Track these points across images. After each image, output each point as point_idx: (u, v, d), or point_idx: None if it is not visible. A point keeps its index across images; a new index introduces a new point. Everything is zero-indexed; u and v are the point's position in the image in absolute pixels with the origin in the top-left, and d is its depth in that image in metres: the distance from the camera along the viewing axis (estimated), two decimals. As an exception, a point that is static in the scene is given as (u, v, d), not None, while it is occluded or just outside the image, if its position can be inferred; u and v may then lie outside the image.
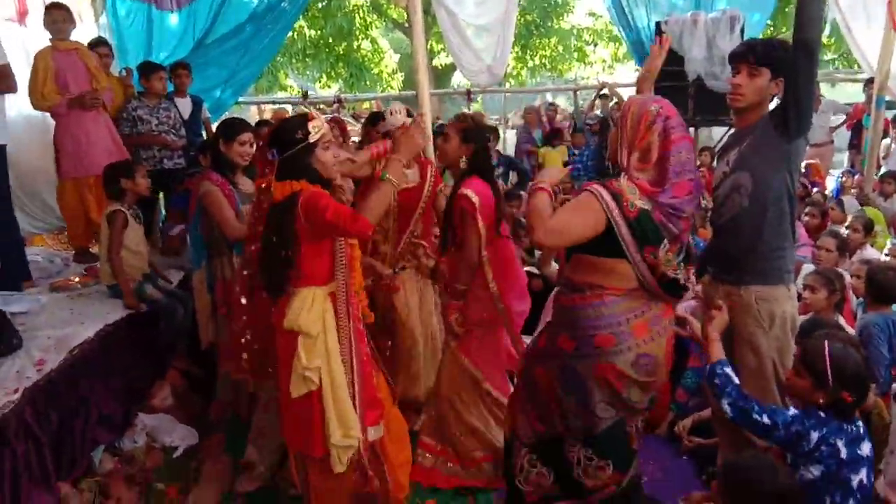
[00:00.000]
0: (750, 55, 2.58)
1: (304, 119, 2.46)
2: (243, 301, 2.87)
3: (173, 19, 7.13)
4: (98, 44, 5.34)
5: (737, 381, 2.36)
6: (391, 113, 3.54)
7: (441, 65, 16.77)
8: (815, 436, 2.20)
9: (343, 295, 2.48)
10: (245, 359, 2.80)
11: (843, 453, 2.20)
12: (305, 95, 10.92)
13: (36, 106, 4.61)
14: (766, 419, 2.25)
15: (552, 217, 2.25)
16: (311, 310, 2.40)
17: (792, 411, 2.28)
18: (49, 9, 4.68)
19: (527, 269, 4.20)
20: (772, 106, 2.69)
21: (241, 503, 3.14)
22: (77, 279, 4.30)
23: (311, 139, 2.41)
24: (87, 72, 4.70)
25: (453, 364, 3.22)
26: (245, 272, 2.82)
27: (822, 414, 2.25)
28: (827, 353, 2.24)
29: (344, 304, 2.48)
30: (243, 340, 2.93)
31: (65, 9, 4.73)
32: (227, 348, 3.68)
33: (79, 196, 4.69)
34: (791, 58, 2.48)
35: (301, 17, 13.05)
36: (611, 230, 2.20)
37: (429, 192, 3.59)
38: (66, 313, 3.71)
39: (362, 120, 8.61)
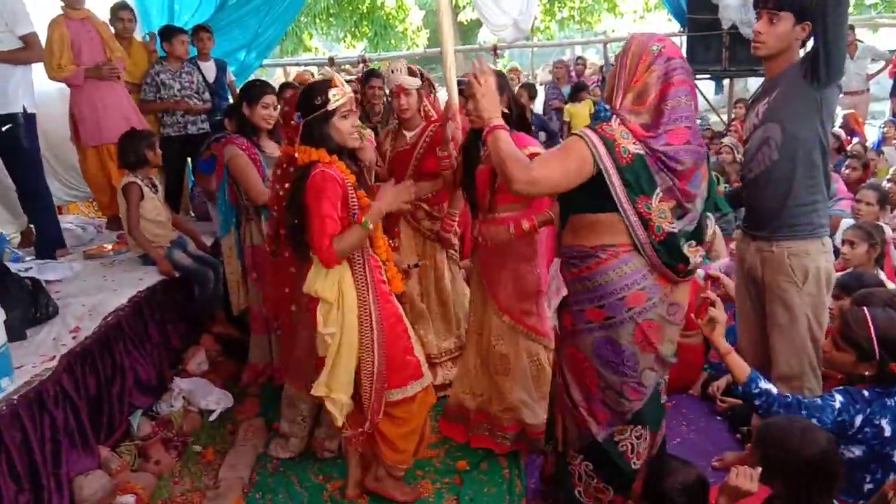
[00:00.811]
0: (769, 1, 2.46)
1: (325, 85, 2.46)
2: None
3: (195, -20, 7.06)
4: (121, 8, 5.29)
5: (775, 390, 2.21)
6: (392, 71, 3.41)
7: (466, 20, 16.44)
8: (859, 419, 2.13)
9: (360, 261, 2.50)
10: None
11: (887, 431, 2.12)
12: (332, 61, 10.78)
13: (51, 76, 4.56)
14: (815, 421, 2.12)
15: (533, 163, 2.08)
16: (326, 276, 2.43)
17: (837, 401, 2.15)
18: None
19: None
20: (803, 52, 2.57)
21: (276, 465, 3.19)
22: (110, 247, 4.35)
23: (330, 107, 2.41)
24: (100, 40, 4.66)
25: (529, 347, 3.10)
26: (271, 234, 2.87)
27: (866, 393, 2.16)
28: (871, 322, 2.14)
29: (362, 270, 2.50)
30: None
31: None
32: (259, 313, 3.73)
33: (100, 164, 4.70)
34: (818, 1, 2.35)
35: (324, -25, 12.87)
36: (600, 180, 2.02)
37: (420, 152, 3.49)
38: (99, 280, 3.76)
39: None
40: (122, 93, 4.78)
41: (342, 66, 10.53)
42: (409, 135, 3.52)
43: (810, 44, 2.51)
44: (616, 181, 2.02)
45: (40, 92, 4.39)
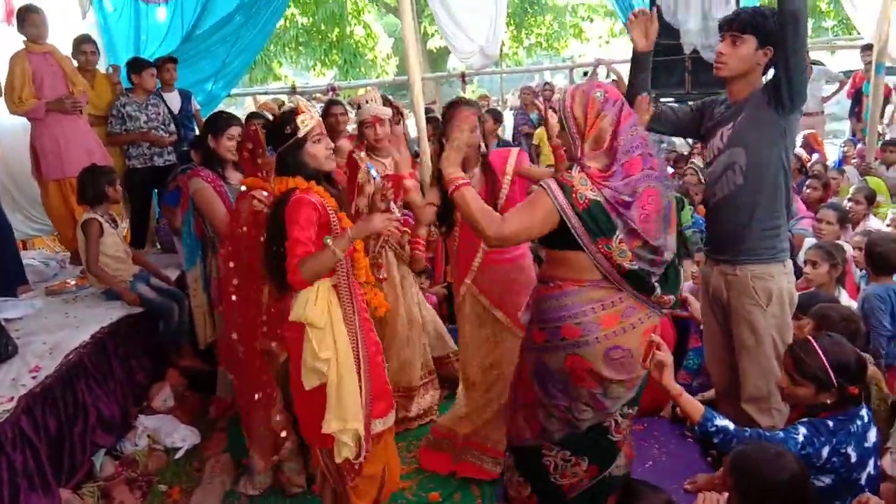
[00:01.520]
0: (734, 22, 2.52)
1: (292, 114, 2.46)
2: (233, 298, 2.87)
3: (161, 13, 7.06)
4: (84, 41, 5.27)
5: (732, 426, 2.21)
6: (366, 101, 3.42)
7: (436, 48, 16.61)
8: (825, 451, 2.12)
9: (346, 287, 2.47)
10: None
11: (853, 457, 2.13)
12: (293, 89, 10.88)
13: (12, 110, 4.54)
14: None
15: (504, 219, 2.19)
16: (316, 302, 2.38)
17: (801, 434, 2.15)
18: (26, 12, 4.60)
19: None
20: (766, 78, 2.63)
21: (244, 503, 3.12)
22: (73, 282, 4.27)
23: (300, 133, 2.41)
24: (63, 74, 4.65)
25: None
26: (231, 266, 2.85)
27: (830, 423, 2.16)
28: (821, 352, 2.16)
29: (348, 295, 2.48)
30: (234, 336, 2.94)
31: (41, 12, 4.67)
32: (226, 345, 3.67)
33: (63, 198, 4.66)
34: (780, 30, 2.41)
35: (292, 3, 12.93)
36: (563, 224, 2.13)
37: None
38: (61, 317, 3.69)
39: (356, 106, 8.54)
40: (84, 126, 4.74)
41: (312, 95, 10.57)
42: (385, 162, 3.52)
43: (772, 70, 2.57)
44: (576, 224, 2.12)
45: (2, 126, 4.33)
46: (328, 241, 2.35)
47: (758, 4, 8.48)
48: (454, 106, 3.05)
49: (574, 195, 2.10)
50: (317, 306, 2.38)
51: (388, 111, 3.46)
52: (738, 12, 2.56)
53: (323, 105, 5.22)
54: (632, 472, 2.57)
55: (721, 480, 2.10)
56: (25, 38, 4.56)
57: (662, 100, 8.45)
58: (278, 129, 2.45)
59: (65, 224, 4.75)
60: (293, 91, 10.58)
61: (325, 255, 2.36)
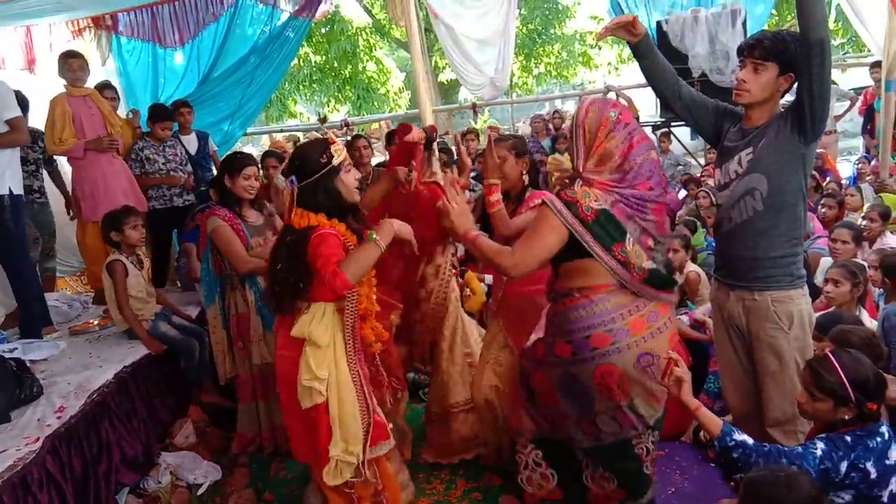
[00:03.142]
0: (757, 49, 2.47)
1: (325, 143, 2.48)
2: None
3: (178, 57, 7.28)
4: (104, 87, 5.44)
5: (751, 441, 2.20)
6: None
7: (447, 80, 16.85)
8: (843, 466, 2.11)
9: (351, 313, 2.47)
10: None
11: (873, 474, 2.11)
12: (324, 119, 10.96)
13: (52, 150, 4.76)
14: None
15: (515, 248, 2.26)
16: (321, 321, 2.40)
17: (819, 449, 2.15)
18: (66, 57, 4.79)
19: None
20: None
21: (267, 537, 3.14)
22: (96, 322, 4.36)
23: (335, 162, 2.42)
24: (101, 116, 4.82)
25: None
26: None
27: (848, 438, 2.15)
28: (839, 367, 2.16)
29: (351, 322, 2.47)
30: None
31: (81, 57, 4.88)
32: (246, 381, 3.71)
33: (99, 239, 4.75)
34: (804, 59, 2.36)
35: (305, 43, 13.21)
36: (573, 237, 2.19)
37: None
38: (85, 357, 3.75)
39: (373, 140, 8.66)
40: (120, 166, 4.93)
41: (324, 132, 10.74)
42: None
43: (789, 95, 2.56)
44: (587, 237, 2.19)
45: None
46: (373, 235, 2.37)
47: (765, 26, 8.55)
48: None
49: (580, 209, 2.17)
50: (321, 324, 2.39)
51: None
52: (759, 38, 2.50)
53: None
54: (655, 499, 2.56)
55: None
56: (66, 83, 4.75)
57: (674, 123, 8.57)
58: (309, 159, 2.42)
59: (98, 264, 4.83)
60: (323, 122, 10.69)
61: (368, 248, 2.36)
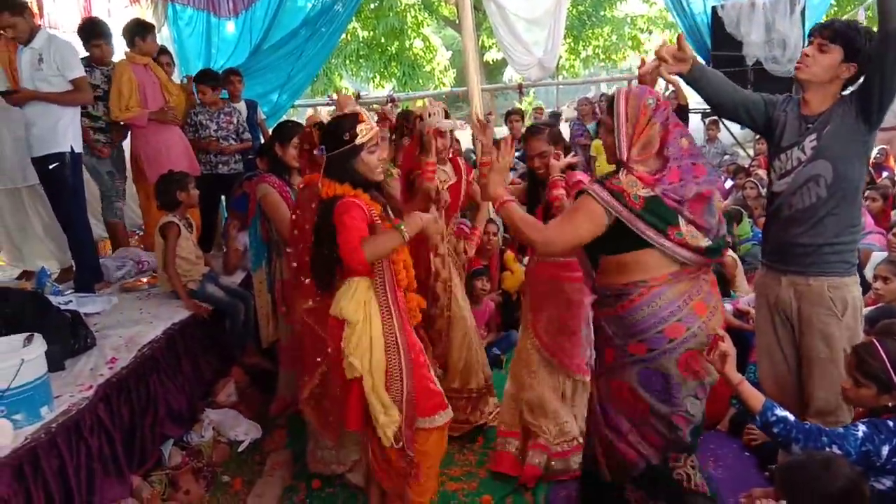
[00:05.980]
0: (826, 29, 2.49)
1: (354, 119, 2.47)
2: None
3: (230, 27, 7.35)
4: (161, 52, 5.53)
5: (792, 417, 2.20)
6: (429, 114, 3.47)
7: (493, 60, 16.75)
8: (885, 450, 2.09)
9: (383, 287, 2.50)
10: None
11: None
12: (358, 96, 11.03)
13: (116, 116, 4.85)
14: (837, 450, 2.10)
15: (549, 225, 2.28)
16: (352, 298, 2.44)
17: (861, 431, 2.14)
18: (146, 31, 4.94)
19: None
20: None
21: (302, 498, 3.22)
22: (146, 280, 4.50)
23: (358, 141, 2.43)
24: (160, 84, 4.95)
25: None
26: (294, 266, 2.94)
27: (891, 423, 2.13)
28: (884, 355, 2.14)
29: (385, 295, 2.50)
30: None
31: (154, 31, 5.05)
32: (287, 347, 3.80)
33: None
34: (876, 50, 2.35)
35: (354, 18, 13.22)
36: (622, 227, 2.20)
37: (466, 185, 3.71)
38: (136, 313, 3.89)
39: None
40: (179, 134, 5.07)
41: (370, 105, 10.77)
42: (447, 169, 3.64)
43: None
44: (640, 224, 2.19)
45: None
46: (402, 226, 2.42)
47: (823, 16, 8.29)
48: (527, 134, 3.24)
49: (627, 198, 2.18)
50: (352, 302, 2.43)
51: (450, 124, 3.53)
52: (832, 21, 2.54)
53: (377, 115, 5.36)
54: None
55: (775, 496, 2.08)
56: (129, 50, 4.88)
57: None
58: (336, 133, 2.45)
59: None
60: (357, 99, 10.76)
61: (393, 236, 2.41)
